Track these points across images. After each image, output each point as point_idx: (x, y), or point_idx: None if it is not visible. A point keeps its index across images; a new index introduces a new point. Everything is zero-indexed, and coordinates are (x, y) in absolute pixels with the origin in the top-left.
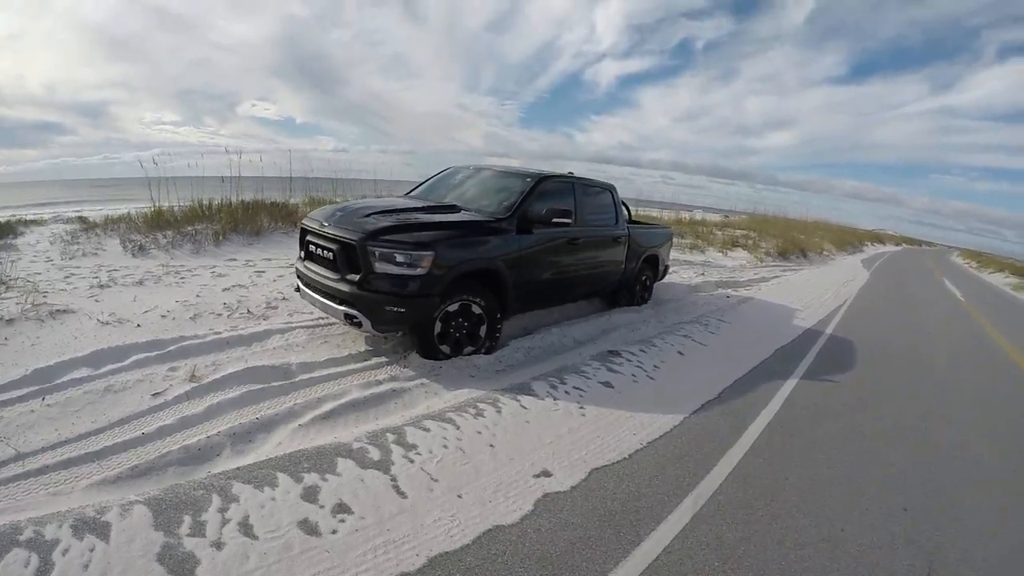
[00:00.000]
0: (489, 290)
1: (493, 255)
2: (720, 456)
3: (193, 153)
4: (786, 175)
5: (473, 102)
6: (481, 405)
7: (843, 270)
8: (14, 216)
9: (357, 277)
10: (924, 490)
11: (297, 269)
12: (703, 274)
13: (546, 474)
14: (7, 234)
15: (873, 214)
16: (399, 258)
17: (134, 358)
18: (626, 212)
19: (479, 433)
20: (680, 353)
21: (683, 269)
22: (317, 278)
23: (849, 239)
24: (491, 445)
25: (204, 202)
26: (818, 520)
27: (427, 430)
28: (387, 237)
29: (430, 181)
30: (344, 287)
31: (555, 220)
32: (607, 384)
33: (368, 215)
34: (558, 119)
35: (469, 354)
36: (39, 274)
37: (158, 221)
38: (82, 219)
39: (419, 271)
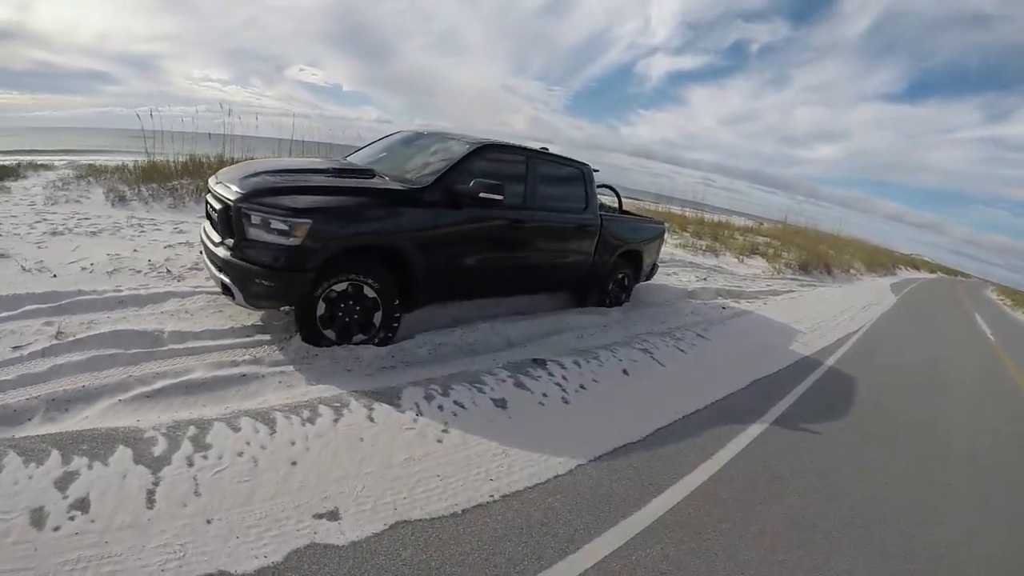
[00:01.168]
0: (391, 271)
1: (397, 231)
2: (587, 541)
3: (246, 112)
4: (828, 189)
5: (520, 84)
6: (322, 408)
7: (868, 292)
8: (27, 160)
9: (232, 242)
10: None
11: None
12: (706, 279)
13: (332, 516)
14: (8, 176)
15: (911, 238)
16: (273, 224)
17: (24, 308)
18: (614, 200)
19: (292, 443)
20: (625, 372)
21: (686, 271)
22: (205, 240)
23: (882, 260)
24: (294, 462)
25: (199, 158)
26: None
27: (237, 429)
28: (263, 200)
29: (376, 144)
30: (221, 252)
31: (482, 195)
32: (501, 403)
33: (259, 174)
34: (604, 110)
35: (358, 343)
36: (14, 217)
37: (151, 174)
38: (91, 167)
39: (292, 241)
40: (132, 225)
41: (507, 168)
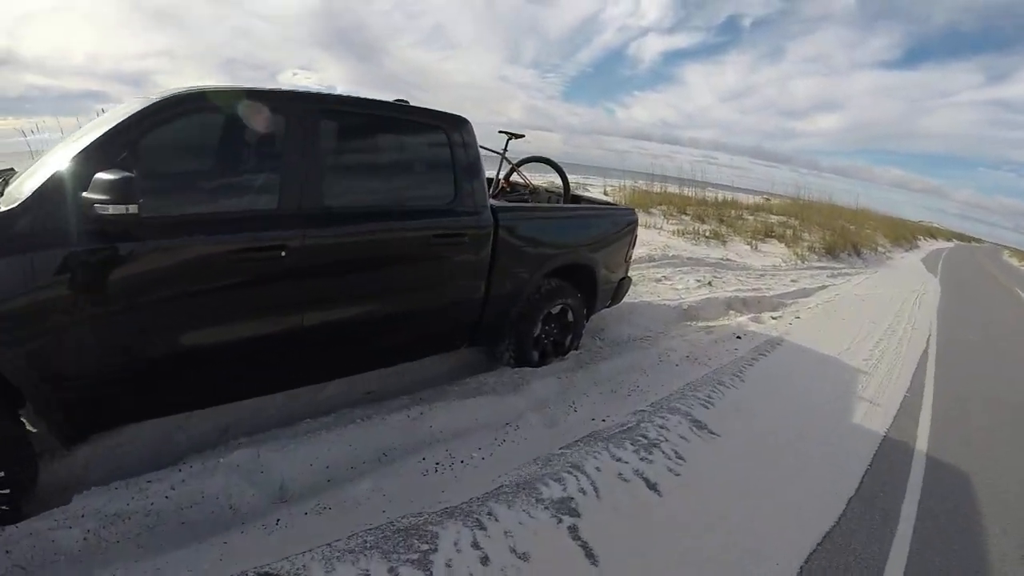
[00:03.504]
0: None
1: None
2: None
3: None
4: (830, 160)
5: (514, 74)
6: None
7: (907, 275)
8: None
9: None
10: None
11: None
12: (710, 283)
13: None
14: None
15: (916, 205)
16: None
17: None
18: (560, 183)
19: None
20: None
21: (683, 272)
22: None
23: (903, 232)
24: None
25: None
26: None
27: None
28: None
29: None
30: None
31: (105, 212)
32: None
33: None
34: (600, 94)
35: None
36: None
37: None
38: None
39: None
40: None
41: (248, 139)
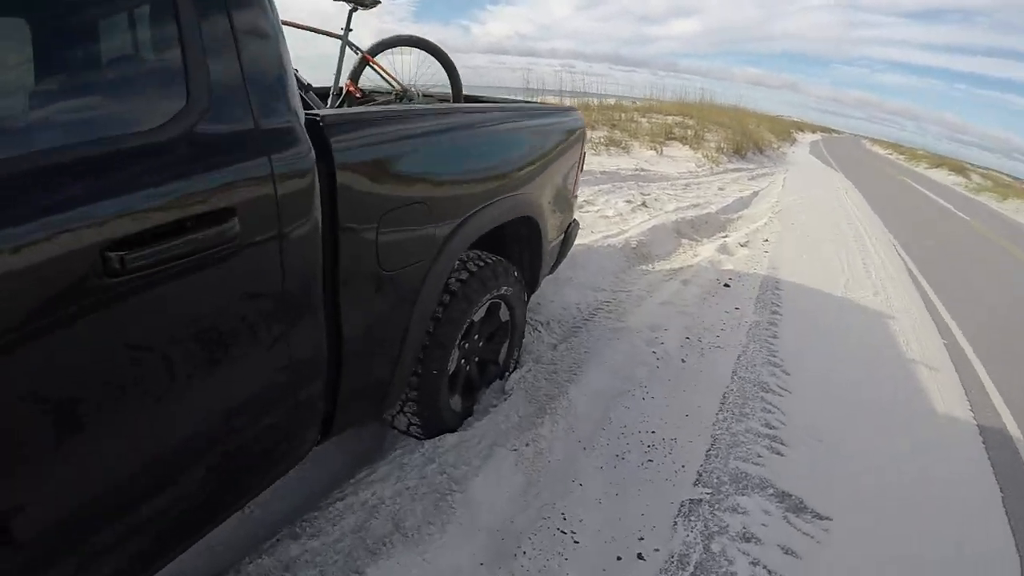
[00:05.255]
0: None
1: None
2: None
3: None
4: (688, 62)
5: None
6: None
7: (814, 173)
8: None
9: None
10: None
11: None
12: (644, 204)
13: None
14: None
15: (776, 100)
16: None
17: None
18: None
19: None
20: None
21: (604, 193)
22: None
23: (782, 128)
24: None
25: None
26: None
27: None
28: None
29: None
30: None
31: None
32: None
33: None
34: (453, 12)
35: None
36: None
37: None
38: None
39: None
40: None
41: None
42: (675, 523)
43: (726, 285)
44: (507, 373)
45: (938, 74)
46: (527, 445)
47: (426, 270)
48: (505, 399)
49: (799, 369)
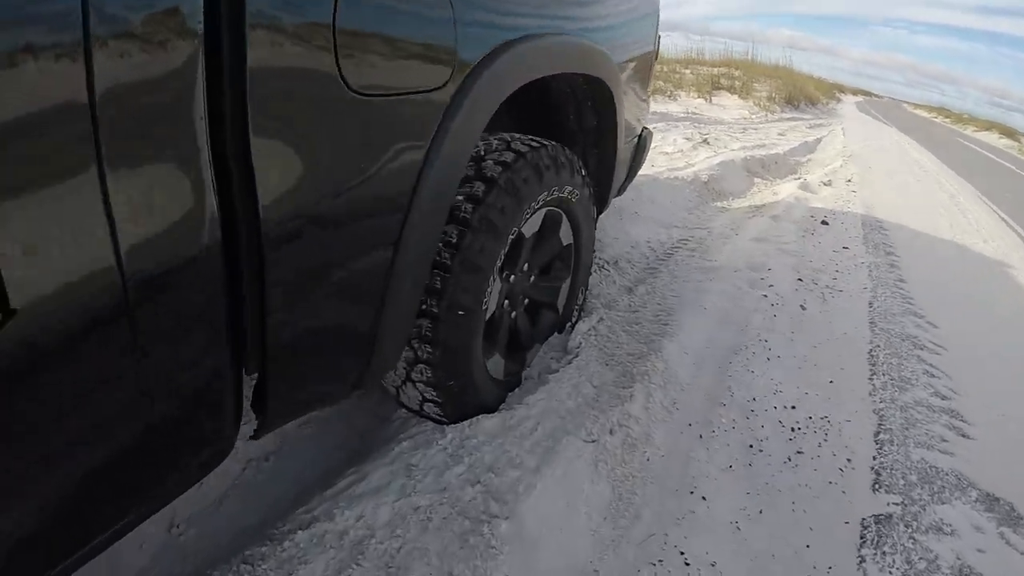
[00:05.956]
0: None
1: None
2: None
3: None
4: (720, 25)
5: None
6: None
7: (868, 127)
8: None
9: None
10: None
11: None
12: (707, 141)
13: None
14: None
15: (811, 63)
16: None
17: None
18: None
19: None
20: None
21: (658, 129)
22: None
23: (828, 88)
24: None
25: None
26: None
27: None
28: None
29: None
30: None
31: None
32: None
33: None
34: None
35: None
36: None
37: None
38: None
39: None
40: None
41: None
42: (861, 559)
43: (824, 222)
44: (570, 324)
45: (980, 37)
46: (611, 433)
47: (438, 113)
48: (570, 361)
49: (946, 320)
